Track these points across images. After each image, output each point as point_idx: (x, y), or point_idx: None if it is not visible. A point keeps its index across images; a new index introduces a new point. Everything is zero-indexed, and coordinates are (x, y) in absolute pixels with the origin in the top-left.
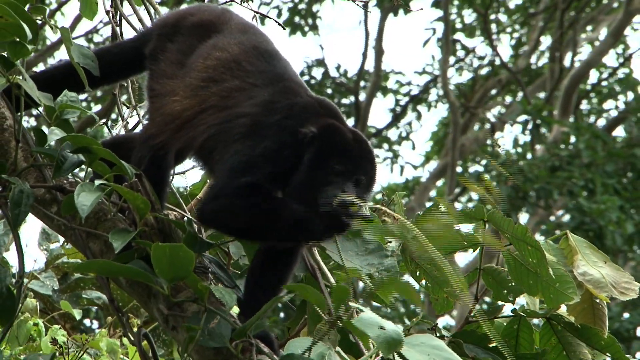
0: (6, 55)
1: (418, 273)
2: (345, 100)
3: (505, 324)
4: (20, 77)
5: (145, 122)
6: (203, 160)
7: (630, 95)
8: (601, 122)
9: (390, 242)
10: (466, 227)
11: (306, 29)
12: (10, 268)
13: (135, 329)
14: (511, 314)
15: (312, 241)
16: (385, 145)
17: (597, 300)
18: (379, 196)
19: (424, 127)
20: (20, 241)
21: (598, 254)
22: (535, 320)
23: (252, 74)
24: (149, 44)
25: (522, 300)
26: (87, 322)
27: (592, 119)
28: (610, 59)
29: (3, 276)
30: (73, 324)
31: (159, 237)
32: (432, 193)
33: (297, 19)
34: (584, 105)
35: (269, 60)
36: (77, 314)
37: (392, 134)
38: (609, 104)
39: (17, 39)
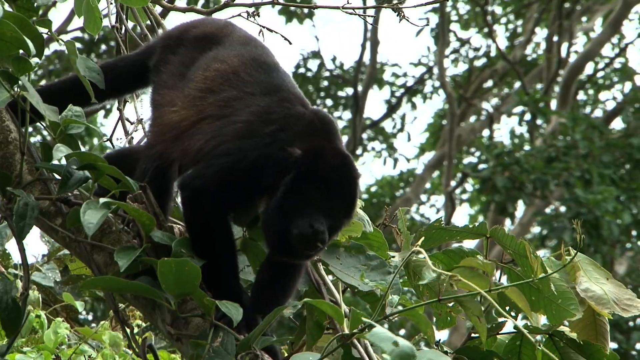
0: (10, 70)
1: (421, 288)
2: (341, 93)
3: (507, 341)
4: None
5: (147, 133)
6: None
7: (628, 86)
8: (597, 113)
9: (393, 257)
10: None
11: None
12: (11, 260)
13: (137, 321)
14: (513, 330)
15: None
16: (380, 137)
17: (600, 317)
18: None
19: (419, 119)
20: (25, 253)
21: (600, 270)
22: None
23: (250, 84)
24: (153, 57)
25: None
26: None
27: (588, 109)
28: (605, 49)
29: (8, 288)
30: (74, 315)
31: (164, 252)
32: (428, 185)
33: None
34: (580, 96)
35: (268, 71)
36: (79, 305)
37: (387, 125)
38: (605, 95)
39: (21, 55)
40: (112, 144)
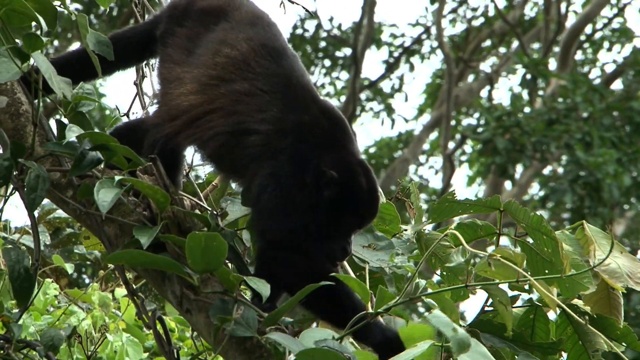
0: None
1: (433, 261)
2: (339, 53)
3: (521, 314)
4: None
5: (154, 106)
6: (215, 165)
7: (627, 48)
8: (595, 72)
9: (405, 230)
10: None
11: None
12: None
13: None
14: (527, 303)
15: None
16: (379, 98)
17: (613, 291)
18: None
19: (417, 80)
20: (36, 224)
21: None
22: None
23: (262, 77)
24: (159, 27)
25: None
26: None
27: (586, 69)
28: (604, 9)
29: (20, 258)
30: (69, 280)
31: (176, 228)
32: (426, 146)
33: None
34: (578, 56)
35: (277, 59)
36: (69, 268)
37: (385, 85)
38: (603, 55)
39: (32, 32)
40: (128, 118)
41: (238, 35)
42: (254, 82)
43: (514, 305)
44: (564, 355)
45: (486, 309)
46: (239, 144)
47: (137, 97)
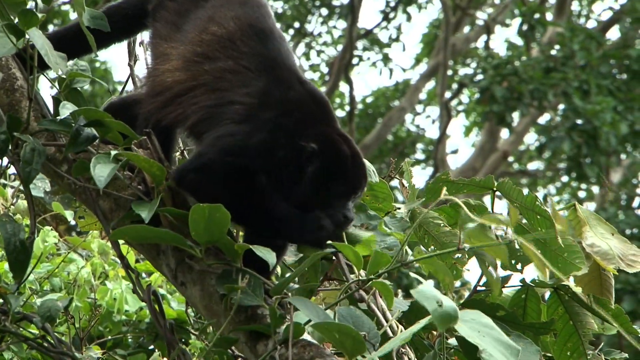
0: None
1: (427, 239)
2: (336, 2)
3: (513, 294)
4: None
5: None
6: (195, 139)
7: None
8: (591, 23)
9: (399, 208)
10: None
11: None
12: None
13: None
14: (519, 283)
15: (289, 242)
16: (376, 47)
17: (605, 272)
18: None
19: (414, 29)
20: (32, 198)
21: (606, 226)
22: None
23: (246, 56)
24: (152, 0)
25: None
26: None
27: (582, 20)
28: None
29: (17, 230)
30: (68, 225)
31: (170, 201)
32: (423, 96)
33: None
34: (574, 7)
35: (264, 40)
36: (68, 215)
37: (383, 35)
38: (598, 6)
39: (27, 8)
40: None
41: (227, 14)
42: (238, 61)
43: (505, 286)
44: None
45: (478, 288)
46: (222, 111)
47: (130, 78)
